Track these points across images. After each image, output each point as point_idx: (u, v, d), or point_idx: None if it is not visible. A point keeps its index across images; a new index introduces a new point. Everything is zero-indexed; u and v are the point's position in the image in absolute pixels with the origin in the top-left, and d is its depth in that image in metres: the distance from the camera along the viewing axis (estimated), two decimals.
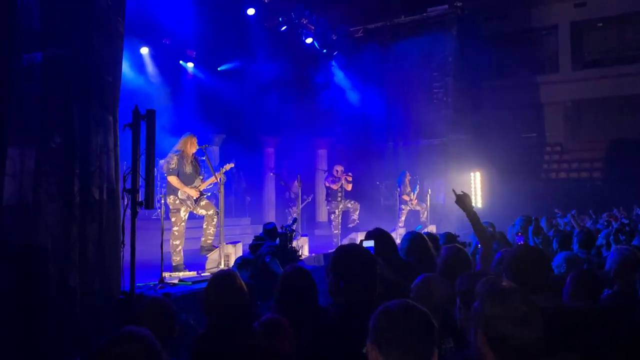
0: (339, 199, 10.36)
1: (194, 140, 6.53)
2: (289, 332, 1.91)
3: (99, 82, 4.49)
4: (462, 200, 3.65)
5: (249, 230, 11.64)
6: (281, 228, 4.85)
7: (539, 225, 5.31)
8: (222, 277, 2.55)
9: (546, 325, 1.60)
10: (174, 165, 6.40)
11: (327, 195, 10.53)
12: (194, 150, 6.56)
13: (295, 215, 9.06)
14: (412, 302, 1.58)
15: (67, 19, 4.34)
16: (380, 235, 3.02)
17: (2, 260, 3.74)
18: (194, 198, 6.45)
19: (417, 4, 14.08)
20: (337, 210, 10.44)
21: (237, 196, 13.10)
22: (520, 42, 17.76)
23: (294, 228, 4.88)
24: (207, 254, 6.53)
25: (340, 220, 10.51)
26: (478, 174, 13.70)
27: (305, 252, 7.82)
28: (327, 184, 10.45)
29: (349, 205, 10.54)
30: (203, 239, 6.64)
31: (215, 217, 6.56)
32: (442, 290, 2.36)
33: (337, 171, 10.33)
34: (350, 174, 10.69)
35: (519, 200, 12.38)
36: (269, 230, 6.16)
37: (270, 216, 14.57)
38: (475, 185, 13.65)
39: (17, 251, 3.81)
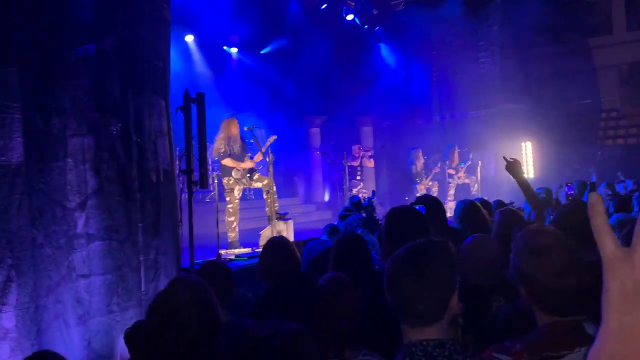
0: (358, 177, 10.76)
1: (235, 122, 6.72)
2: (350, 287, 1.99)
3: (150, 68, 4.65)
4: (512, 166, 3.64)
5: (300, 210, 11.85)
6: (363, 200, 5.05)
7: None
8: (276, 241, 2.72)
9: (596, 278, 1.60)
10: (223, 149, 6.61)
11: (349, 174, 10.89)
12: (237, 131, 6.75)
13: (348, 192, 9.26)
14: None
15: (117, 9, 4.51)
16: (430, 202, 3.04)
17: None
18: (248, 175, 6.66)
19: None
20: (354, 189, 10.80)
21: (286, 177, 13.30)
22: (569, 5, 16.97)
23: (373, 201, 5.06)
24: (279, 219, 6.70)
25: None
26: (529, 143, 13.34)
27: None
28: (349, 163, 10.82)
29: (363, 190, 11.00)
30: (267, 209, 6.79)
31: (274, 186, 6.77)
32: (492, 250, 2.36)
33: (355, 150, 10.92)
34: (369, 152, 11.39)
35: (574, 169, 12.02)
36: (355, 202, 6.34)
37: (319, 195, 14.73)
38: (527, 155, 13.31)
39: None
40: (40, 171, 3.68)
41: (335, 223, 5.22)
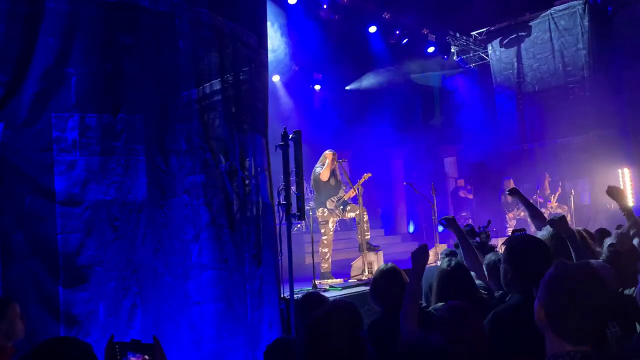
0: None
1: (333, 156, 6.96)
2: (473, 314, 2.05)
3: (252, 109, 5.01)
4: (614, 192, 3.68)
5: (385, 241, 11.89)
6: (478, 228, 5.21)
7: None
8: (387, 269, 2.88)
9: None
10: (326, 176, 6.88)
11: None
12: (335, 165, 6.99)
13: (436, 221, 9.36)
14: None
15: (220, 57, 4.90)
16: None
17: None
18: (341, 207, 6.87)
19: None
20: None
21: (370, 208, 13.43)
22: None
23: (488, 228, 5.21)
24: (370, 250, 6.82)
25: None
26: (627, 170, 12.62)
27: None
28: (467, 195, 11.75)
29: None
30: (359, 237, 6.90)
31: (365, 216, 6.90)
32: (607, 276, 2.38)
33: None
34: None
35: None
36: (468, 230, 6.40)
37: (402, 226, 14.68)
38: (625, 182, 12.59)
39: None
40: (160, 207, 4.07)
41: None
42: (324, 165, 6.93)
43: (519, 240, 2.40)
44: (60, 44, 3.76)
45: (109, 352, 1.70)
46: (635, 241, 3.59)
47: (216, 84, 4.83)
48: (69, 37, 3.79)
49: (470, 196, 13.00)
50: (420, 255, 2.58)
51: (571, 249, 2.78)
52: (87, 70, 3.86)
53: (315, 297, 3.52)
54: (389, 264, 3.01)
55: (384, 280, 2.86)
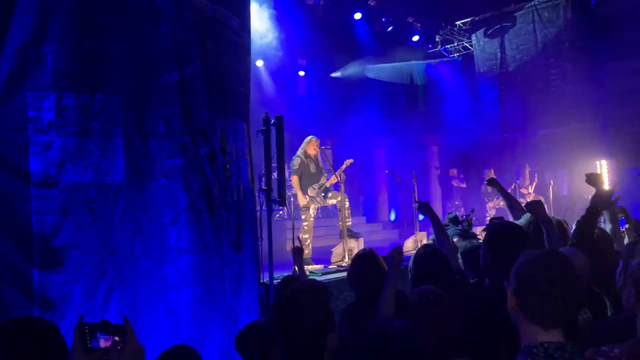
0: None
1: (315, 143, 6.95)
2: (445, 297, 2.06)
3: (234, 93, 4.95)
4: (593, 178, 3.72)
5: (366, 229, 11.93)
6: (462, 216, 5.28)
7: None
8: (365, 254, 2.88)
9: None
10: (297, 166, 6.88)
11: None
12: (316, 152, 6.98)
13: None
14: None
15: (202, 40, 4.82)
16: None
17: None
18: (323, 194, 6.88)
19: None
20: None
21: (351, 196, 13.46)
22: None
23: (471, 217, 5.29)
24: (351, 237, 6.87)
25: None
26: (605, 162, 12.83)
27: None
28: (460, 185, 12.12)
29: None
30: (340, 223, 6.95)
31: (347, 202, 6.94)
32: (578, 262, 2.42)
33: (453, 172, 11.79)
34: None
35: None
36: (451, 218, 6.46)
37: (384, 214, 14.76)
38: (603, 174, 12.81)
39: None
40: (139, 190, 4.01)
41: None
42: (305, 152, 6.93)
43: (499, 226, 2.43)
44: (37, 21, 3.66)
45: (78, 333, 1.67)
46: (608, 227, 3.64)
47: (197, 67, 4.76)
48: (46, 14, 3.69)
49: (463, 185, 13.16)
50: (396, 255, 2.60)
51: (544, 234, 2.81)
52: (65, 49, 3.75)
53: (294, 280, 3.53)
54: (367, 249, 3.02)
55: (362, 264, 2.87)
